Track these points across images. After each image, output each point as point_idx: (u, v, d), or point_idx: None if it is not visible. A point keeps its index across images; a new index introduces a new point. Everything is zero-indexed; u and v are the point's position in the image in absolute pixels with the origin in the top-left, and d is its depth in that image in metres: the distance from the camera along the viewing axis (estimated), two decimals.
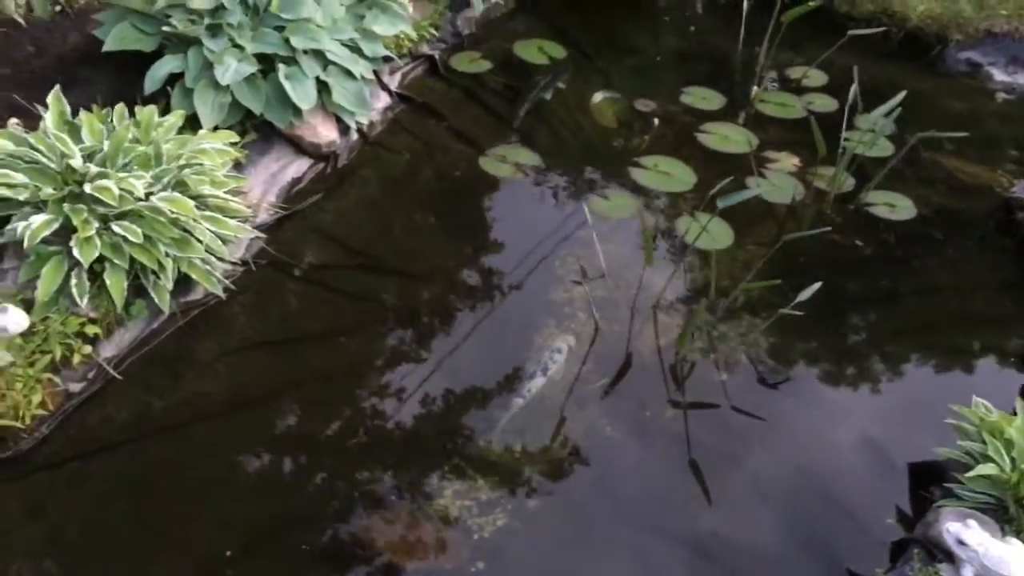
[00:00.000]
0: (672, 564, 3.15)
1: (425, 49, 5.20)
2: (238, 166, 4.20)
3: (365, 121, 4.57)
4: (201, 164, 3.60)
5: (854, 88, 4.71)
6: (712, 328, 3.87)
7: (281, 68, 4.21)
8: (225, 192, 3.75)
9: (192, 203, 3.46)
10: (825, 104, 5.17)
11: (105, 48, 4.21)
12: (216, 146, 3.75)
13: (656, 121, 4.91)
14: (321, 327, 3.84)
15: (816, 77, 5.39)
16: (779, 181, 4.63)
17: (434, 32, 5.21)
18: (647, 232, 3.62)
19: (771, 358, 3.81)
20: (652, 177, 4.59)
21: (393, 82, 4.94)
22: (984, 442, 3.03)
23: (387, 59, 4.77)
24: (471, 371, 3.72)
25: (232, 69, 4.08)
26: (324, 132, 4.39)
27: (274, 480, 3.34)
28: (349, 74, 4.39)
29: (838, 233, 4.37)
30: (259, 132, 4.33)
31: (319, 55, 4.34)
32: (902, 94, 4.33)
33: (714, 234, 4.30)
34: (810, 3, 5.10)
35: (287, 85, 4.16)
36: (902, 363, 3.88)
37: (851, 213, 4.51)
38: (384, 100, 4.82)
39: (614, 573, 3.12)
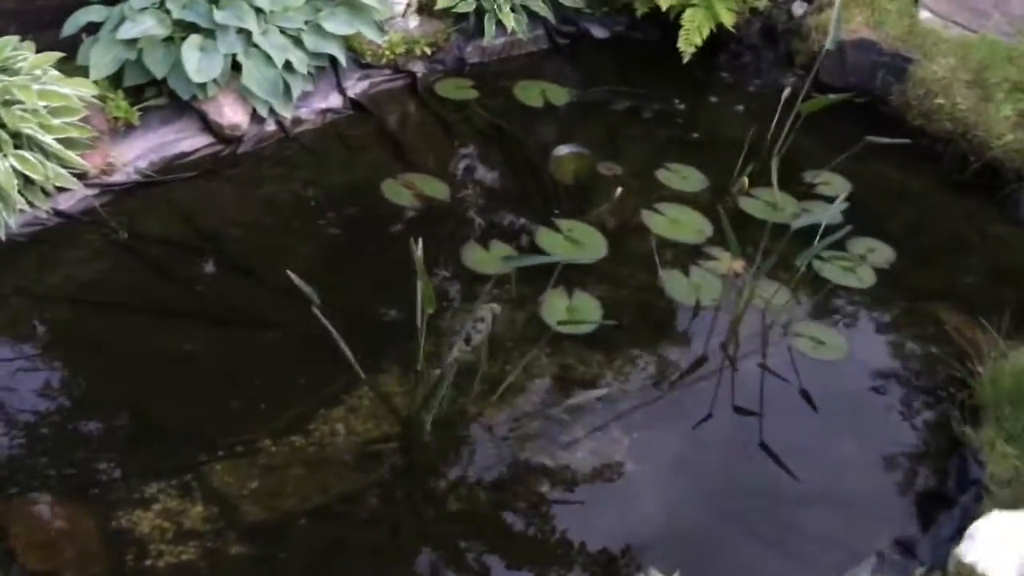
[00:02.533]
0: None
1: (415, 66, 4.90)
2: (129, 127, 4.11)
3: (287, 115, 4.34)
4: (21, 102, 3.51)
5: (838, 200, 3.92)
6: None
7: (193, 37, 4.09)
8: (56, 139, 3.64)
9: None
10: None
11: None
12: (55, 89, 3.66)
13: (620, 190, 4.31)
14: (111, 296, 3.64)
15: (836, 185, 4.55)
16: (699, 280, 3.90)
17: (428, 51, 4.90)
18: (426, 284, 3.09)
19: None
20: (557, 241, 4.02)
21: (356, 88, 4.69)
22: None
23: (334, 60, 4.51)
24: (253, 377, 3.42)
25: (139, 28, 4.01)
26: (229, 113, 4.21)
27: None
28: (269, 60, 4.18)
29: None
30: (174, 99, 4.22)
31: (246, 34, 4.18)
32: (840, 201, 3.51)
33: (584, 317, 3.68)
34: (830, 96, 4.34)
35: (186, 55, 4.03)
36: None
37: (761, 339, 3.71)
38: (331, 101, 4.58)
39: None
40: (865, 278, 3.98)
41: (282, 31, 4.30)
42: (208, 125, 4.24)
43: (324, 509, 3.13)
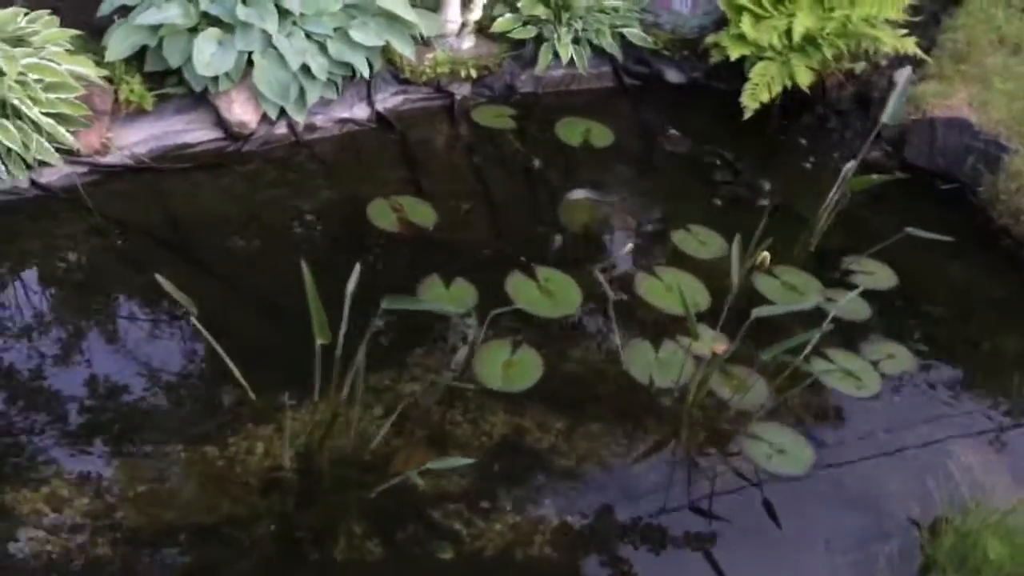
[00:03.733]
0: None
1: (458, 88, 4.72)
2: (141, 111, 4.14)
3: (300, 119, 4.25)
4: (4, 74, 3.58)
5: (851, 294, 3.44)
6: None
7: (212, 30, 4.07)
8: (45, 112, 3.69)
9: None
10: (849, 309, 3.78)
11: None
12: (50, 64, 3.70)
13: (630, 246, 3.98)
14: (65, 275, 3.64)
15: (879, 276, 4.00)
16: (668, 356, 3.49)
17: (473, 74, 4.70)
18: (318, 312, 2.88)
19: None
20: (527, 289, 3.71)
21: (387, 102, 4.55)
22: None
23: (353, 71, 4.38)
24: (192, 378, 3.35)
25: (159, 16, 4.03)
26: (239, 110, 4.17)
27: None
28: (284, 62, 4.10)
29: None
30: (193, 91, 4.21)
31: (267, 34, 4.12)
32: (851, 296, 3.06)
33: (515, 379, 3.36)
34: (873, 177, 3.83)
35: (199, 47, 4.02)
36: None
37: (710, 434, 3.27)
38: (355, 112, 4.46)
39: None
40: (868, 386, 3.45)
41: (308, 35, 4.20)
42: (220, 119, 4.19)
43: (207, 529, 2.97)
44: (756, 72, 4.59)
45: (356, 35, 4.26)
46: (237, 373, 3.07)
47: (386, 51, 4.50)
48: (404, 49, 4.41)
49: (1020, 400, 3.52)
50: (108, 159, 3.95)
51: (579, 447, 3.25)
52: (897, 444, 3.29)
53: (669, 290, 3.77)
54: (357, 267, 3.12)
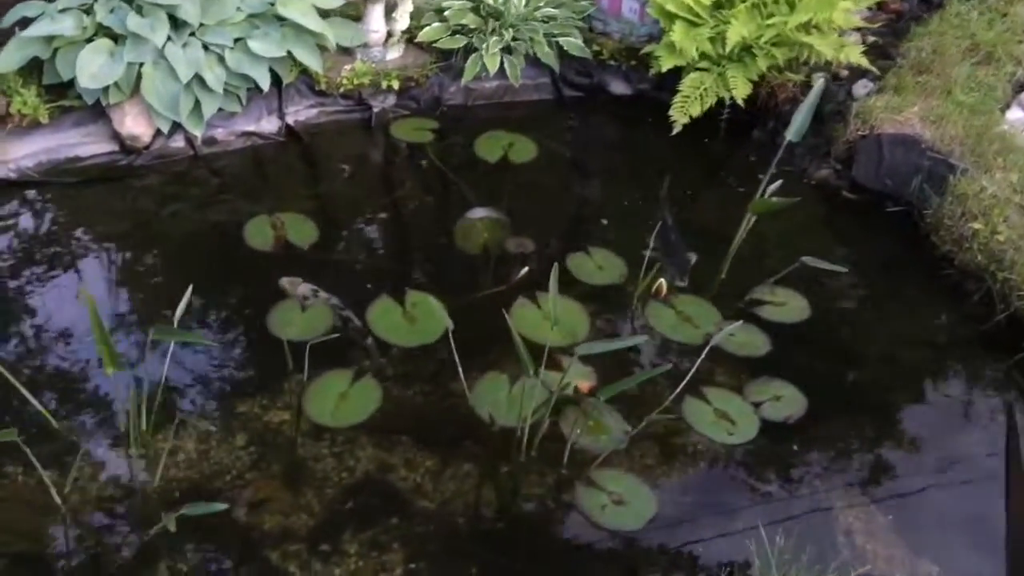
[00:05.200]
0: None
1: (380, 100, 4.53)
2: (36, 124, 4.07)
3: (197, 133, 4.12)
4: None
5: (727, 329, 3.14)
6: None
7: (103, 41, 3.99)
8: None
9: None
10: (744, 343, 3.46)
11: None
12: None
13: (524, 270, 3.73)
14: None
15: (790, 307, 3.65)
16: (519, 392, 3.21)
17: (395, 86, 4.50)
18: (100, 340, 2.73)
19: None
20: (391, 314, 3.49)
21: (299, 115, 4.38)
22: None
23: (278, 82, 4.24)
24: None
25: (49, 28, 3.97)
26: (130, 123, 4.06)
27: None
28: (174, 73, 3.98)
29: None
30: (96, 104, 4.13)
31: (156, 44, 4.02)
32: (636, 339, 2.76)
33: (345, 414, 3.14)
34: (773, 200, 3.48)
35: (84, 58, 3.93)
36: None
37: (546, 479, 2.99)
38: (262, 126, 4.30)
39: None
40: (742, 431, 3.11)
41: (206, 46, 4.07)
42: (115, 133, 4.10)
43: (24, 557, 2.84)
44: (687, 83, 4.28)
45: (256, 46, 4.11)
46: (38, 405, 2.93)
47: (291, 62, 4.33)
48: (309, 60, 4.24)
49: (919, 457, 3.12)
50: None
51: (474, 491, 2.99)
52: (759, 499, 2.94)
53: (546, 318, 3.49)
54: (188, 290, 2.97)
